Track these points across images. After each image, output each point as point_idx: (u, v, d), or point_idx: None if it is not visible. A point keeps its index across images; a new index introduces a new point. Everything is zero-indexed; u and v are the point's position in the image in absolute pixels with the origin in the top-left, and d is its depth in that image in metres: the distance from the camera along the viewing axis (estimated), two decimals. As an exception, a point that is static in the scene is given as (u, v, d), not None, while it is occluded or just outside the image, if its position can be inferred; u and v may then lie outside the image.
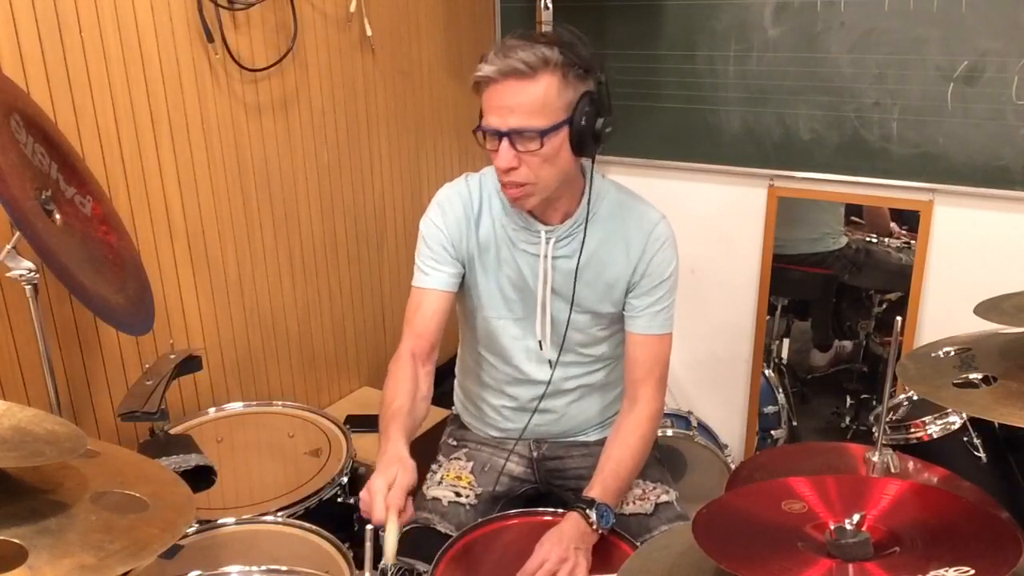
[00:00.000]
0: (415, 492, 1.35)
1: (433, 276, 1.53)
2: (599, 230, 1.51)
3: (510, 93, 1.34)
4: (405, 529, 1.48)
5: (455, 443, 1.72)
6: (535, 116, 1.34)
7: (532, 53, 1.33)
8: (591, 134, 1.39)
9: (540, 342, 1.56)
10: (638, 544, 1.42)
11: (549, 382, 1.58)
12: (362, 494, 1.25)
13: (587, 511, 1.37)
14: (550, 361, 1.58)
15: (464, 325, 1.68)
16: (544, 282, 1.52)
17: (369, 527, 1.18)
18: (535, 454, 1.68)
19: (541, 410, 1.62)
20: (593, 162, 1.48)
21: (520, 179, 1.39)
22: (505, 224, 1.53)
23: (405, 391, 1.43)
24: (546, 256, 1.50)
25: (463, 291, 1.58)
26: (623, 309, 1.55)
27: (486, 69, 1.35)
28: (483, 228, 1.54)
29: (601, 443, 1.62)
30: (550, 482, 1.69)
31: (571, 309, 1.53)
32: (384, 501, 1.22)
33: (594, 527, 1.37)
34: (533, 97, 1.34)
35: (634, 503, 1.55)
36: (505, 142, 1.36)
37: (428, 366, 1.51)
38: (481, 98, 1.39)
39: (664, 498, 1.57)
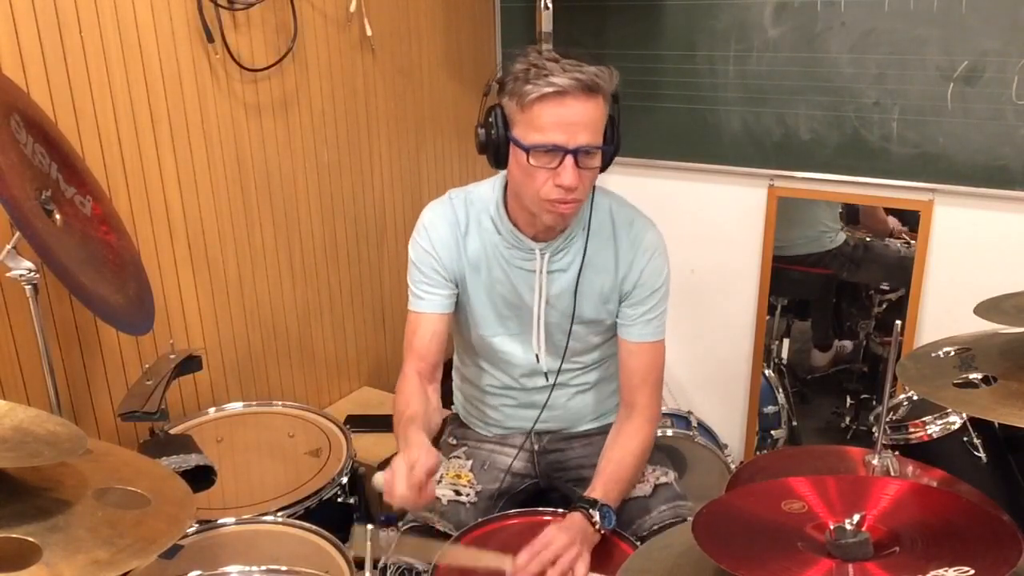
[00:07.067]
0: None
1: (428, 300, 1.53)
2: (591, 240, 1.51)
3: (580, 109, 1.31)
4: (404, 528, 1.49)
5: (455, 442, 1.72)
6: (597, 134, 1.35)
7: (597, 70, 1.31)
8: (613, 155, 1.42)
9: (537, 356, 1.57)
10: (638, 543, 1.42)
11: (552, 386, 1.59)
12: (384, 474, 1.23)
13: (590, 511, 1.38)
14: (546, 374, 1.59)
15: (460, 338, 1.68)
16: (540, 296, 1.52)
17: (369, 527, 1.18)
18: (536, 447, 1.68)
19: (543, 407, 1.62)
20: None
21: (579, 196, 1.38)
22: (496, 243, 1.52)
23: (417, 401, 1.45)
24: (541, 271, 1.50)
25: (457, 309, 1.58)
26: (616, 317, 1.56)
27: (561, 82, 1.28)
28: (472, 247, 1.53)
29: (600, 431, 1.63)
30: (550, 475, 1.69)
31: (572, 321, 1.53)
32: (406, 480, 1.21)
33: (596, 527, 1.37)
34: (599, 115, 1.34)
35: (634, 486, 1.54)
36: (570, 159, 1.32)
37: (434, 383, 1.53)
38: (528, 113, 1.32)
39: (663, 479, 1.57)
